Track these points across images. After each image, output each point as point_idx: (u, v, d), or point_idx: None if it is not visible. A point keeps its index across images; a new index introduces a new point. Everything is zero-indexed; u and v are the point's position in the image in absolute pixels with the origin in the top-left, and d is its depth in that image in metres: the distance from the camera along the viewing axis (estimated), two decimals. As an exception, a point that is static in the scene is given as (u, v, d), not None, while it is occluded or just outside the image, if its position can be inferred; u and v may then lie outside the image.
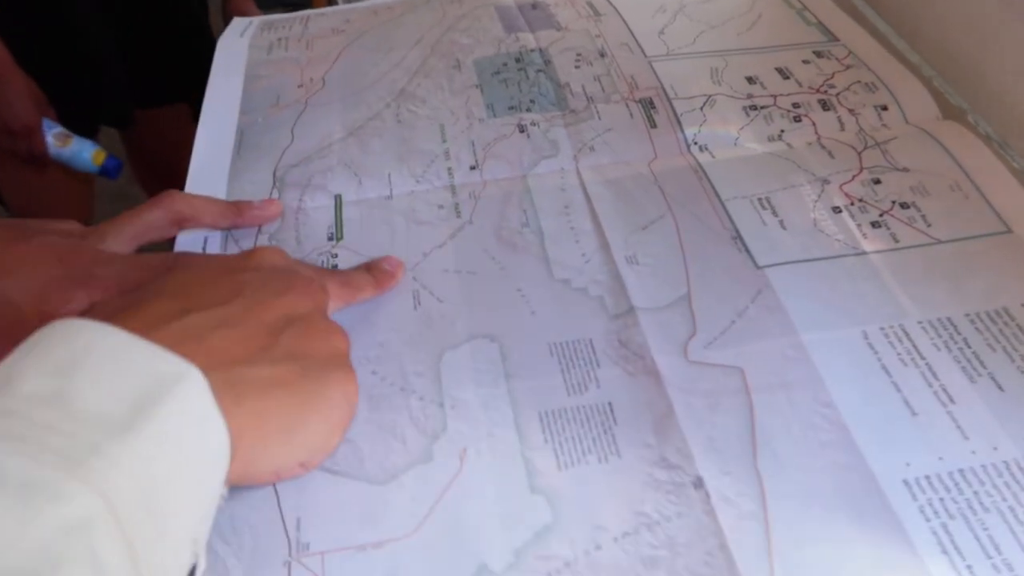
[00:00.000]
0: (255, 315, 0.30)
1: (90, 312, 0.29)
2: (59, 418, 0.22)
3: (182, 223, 0.40)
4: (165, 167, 1.08)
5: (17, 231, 0.35)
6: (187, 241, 0.41)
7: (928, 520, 0.30)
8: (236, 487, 0.30)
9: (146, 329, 0.26)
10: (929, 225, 0.41)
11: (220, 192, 0.44)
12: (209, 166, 0.46)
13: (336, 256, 0.40)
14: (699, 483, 0.31)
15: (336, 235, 0.42)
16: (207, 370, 0.26)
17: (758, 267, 0.39)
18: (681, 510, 0.31)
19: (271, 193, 0.44)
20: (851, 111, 0.48)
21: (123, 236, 0.38)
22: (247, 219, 0.42)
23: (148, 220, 0.39)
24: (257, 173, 0.45)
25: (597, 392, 0.35)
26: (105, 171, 0.94)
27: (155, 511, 0.23)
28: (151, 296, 0.30)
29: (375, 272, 0.38)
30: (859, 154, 0.45)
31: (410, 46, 0.55)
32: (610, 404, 0.34)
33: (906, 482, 0.31)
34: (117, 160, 0.95)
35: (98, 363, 0.24)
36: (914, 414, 0.34)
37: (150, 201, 0.39)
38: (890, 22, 0.56)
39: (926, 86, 0.50)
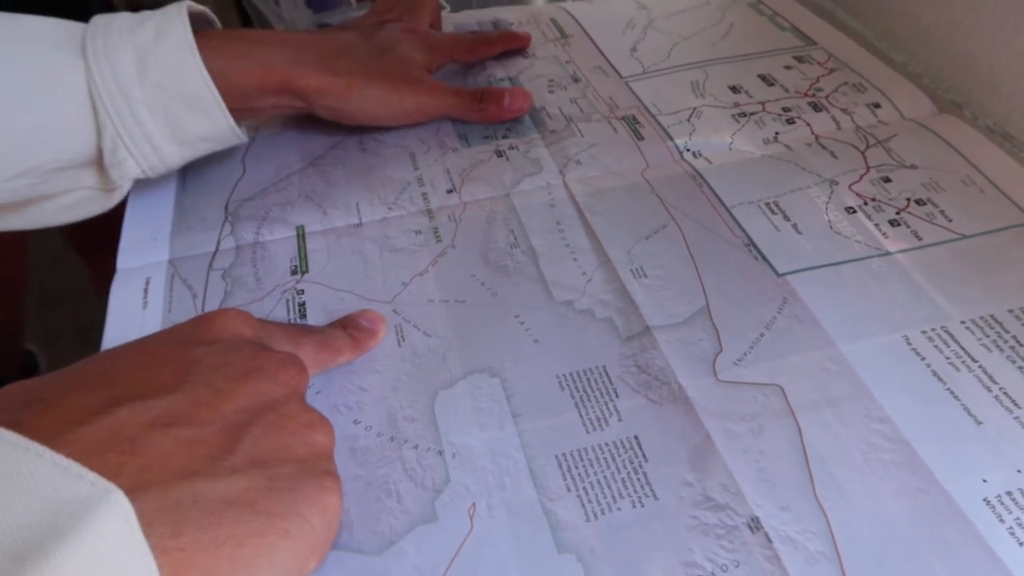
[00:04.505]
0: (209, 408, 0.23)
1: None
2: None
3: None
4: (100, 221, 1.01)
5: (363, 33, 0.44)
6: (125, 283, 0.35)
7: (1022, 544, 0.26)
8: None
9: (60, 428, 0.20)
10: (950, 220, 0.38)
11: (164, 230, 0.38)
12: (150, 202, 0.40)
13: (302, 293, 0.35)
14: (755, 524, 0.27)
15: (300, 268, 0.36)
16: (138, 489, 0.20)
17: (779, 275, 0.35)
18: (738, 557, 0.26)
19: (222, 228, 0.38)
20: (844, 110, 0.45)
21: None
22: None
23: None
24: (206, 207, 0.40)
25: (619, 426, 0.30)
26: None
27: None
28: (72, 380, 0.23)
29: (352, 330, 0.32)
30: (863, 153, 0.42)
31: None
32: (636, 439, 0.29)
33: (987, 501, 0.27)
34: None
35: None
36: (979, 423, 0.30)
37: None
38: (865, 23, 0.55)
39: (915, 83, 0.48)
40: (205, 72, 0.34)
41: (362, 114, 0.42)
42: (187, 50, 0.34)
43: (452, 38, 0.49)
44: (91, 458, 0.19)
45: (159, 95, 0.34)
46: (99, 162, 0.34)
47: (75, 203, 0.36)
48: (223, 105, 0.35)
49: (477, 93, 0.46)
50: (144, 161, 0.35)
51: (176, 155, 0.36)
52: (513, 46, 0.53)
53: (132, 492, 0.19)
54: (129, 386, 0.23)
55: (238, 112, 0.37)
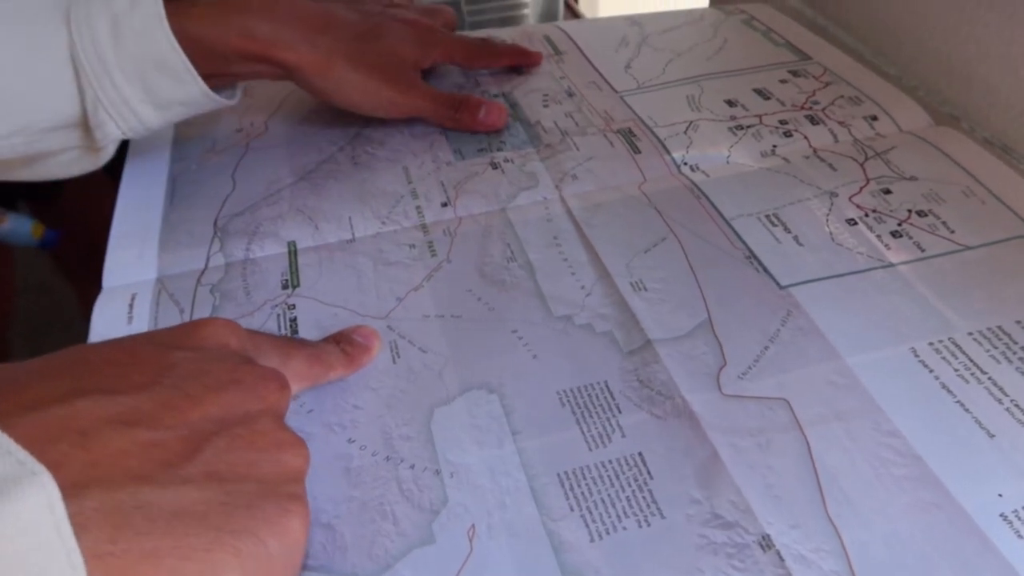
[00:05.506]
0: (175, 412, 0.22)
1: None
2: None
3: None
4: (87, 246, 0.99)
5: (361, 13, 0.44)
6: (111, 298, 0.34)
7: (1042, 561, 0.25)
8: None
9: (11, 411, 0.19)
10: (952, 232, 0.38)
11: (151, 248, 0.37)
12: (136, 218, 0.39)
13: (294, 307, 0.34)
14: (767, 542, 0.26)
15: (291, 283, 0.35)
16: (79, 485, 0.18)
17: (781, 287, 0.35)
18: (750, 577, 0.25)
19: (211, 245, 0.37)
20: (841, 123, 0.45)
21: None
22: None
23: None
24: (195, 223, 0.39)
25: (623, 443, 0.29)
26: (45, 243, 0.89)
27: None
28: (43, 367, 0.22)
29: (346, 345, 0.31)
30: (862, 165, 0.42)
31: (360, 89, 0.50)
32: (640, 455, 0.28)
33: (1004, 517, 0.26)
34: (55, 231, 0.89)
35: None
36: (991, 436, 0.29)
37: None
38: (859, 38, 0.55)
39: (911, 96, 0.47)
40: (172, 38, 0.35)
41: (337, 95, 0.42)
42: (155, 16, 0.35)
43: (453, 40, 0.48)
44: (35, 445, 0.18)
45: (132, 61, 0.35)
46: (85, 123, 0.36)
47: (71, 161, 0.38)
48: (193, 71, 0.36)
49: (455, 100, 0.46)
50: (124, 123, 0.36)
51: (154, 118, 0.37)
52: (523, 63, 0.52)
53: (72, 488, 0.18)
54: (96, 379, 0.21)
55: (218, 77, 0.38)
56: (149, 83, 0.35)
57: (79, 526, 0.18)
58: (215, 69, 0.37)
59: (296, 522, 0.22)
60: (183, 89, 0.36)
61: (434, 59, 0.47)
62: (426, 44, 0.46)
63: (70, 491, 0.18)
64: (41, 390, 0.20)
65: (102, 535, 0.18)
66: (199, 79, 0.36)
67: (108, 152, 0.38)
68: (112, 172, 0.45)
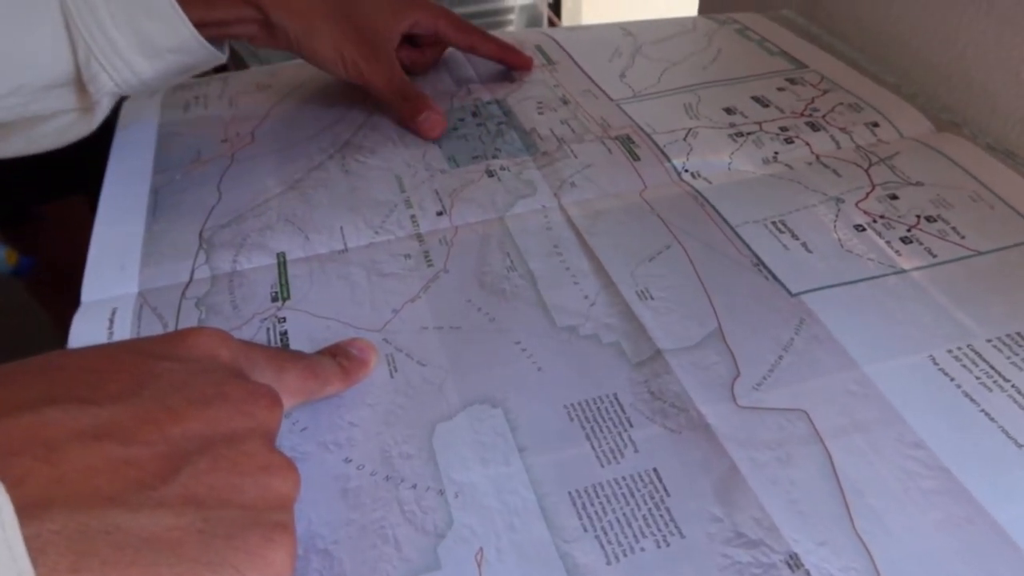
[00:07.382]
0: (154, 427, 0.20)
1: None
2: None
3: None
4: (64, 270, 0.96)
5: None
6: (90, 314, 0.32)
7: (1083, 577, 0.24)
8: None
9: None
10: (963, 237, 0.37)
11: (133, 261, 0.35)
12: (117, 230, 0.37)
13: (284, 320, 0.32)
14: (795, 561, 0.24)
15: (281, 295, 0.34)
16: (41, 504, 0.17)
17: (792, 295, 0.34)
18: (778, 600, 0.23)
19: (196, 257, 0.36)
20: (842, 129, 0.44)
21: None
22: None
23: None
24: (179, 235, 0.37)
25: (636, 458, 0.27)
26: (18, 271, 0.85)
27: None
28: (16, 371, 0.20)
29: (342, 359, 0.29)
30: (866, 171, 0.41)
31: (351, 100, 0.49)
32: (655, 471, 0.27)
33: (1040, 531, 0.25)
34: (29, 258, 0.86)
35: None
36: (1020, 446, 0.28)
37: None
38: (855, 47, 0.54)
39: (910, 103, 0.47)
40: None
41: (307, 41, 0.42)
42: None
43: (439, 7, 0.48)
44: None
45: (122, 8, 0.35)
46: (79, 80, 0.36)
47: (66, 126, 0.37)
48: (181, 11, 0.36)
49: (409, 91, 0.45)
50: (116, 74, 0.36)
51: (146, 68, 0.37)
52: (514, 62, 0.52)
53: (32, 506, 0.16)
54: (70, 387, 0.20)
55: (205, 27, 0.38)
56: (139, 30, 0.35)
57: (37, 550, 0.16)
58: (201, 16, 0.37)
59: (281, 554, 0.20)
60: (172, 33, 0.36)
61: (415, 20, 0.47)
62: (403, 5, 0.46)
63: (30, 510, 0.16)
64: (8, 395, 0.19)
65: (63, 562, 0.17)
66: (186, 19, 0.36)
67: (103, 108, 0.37)
68: (90, 196, 0.43)
